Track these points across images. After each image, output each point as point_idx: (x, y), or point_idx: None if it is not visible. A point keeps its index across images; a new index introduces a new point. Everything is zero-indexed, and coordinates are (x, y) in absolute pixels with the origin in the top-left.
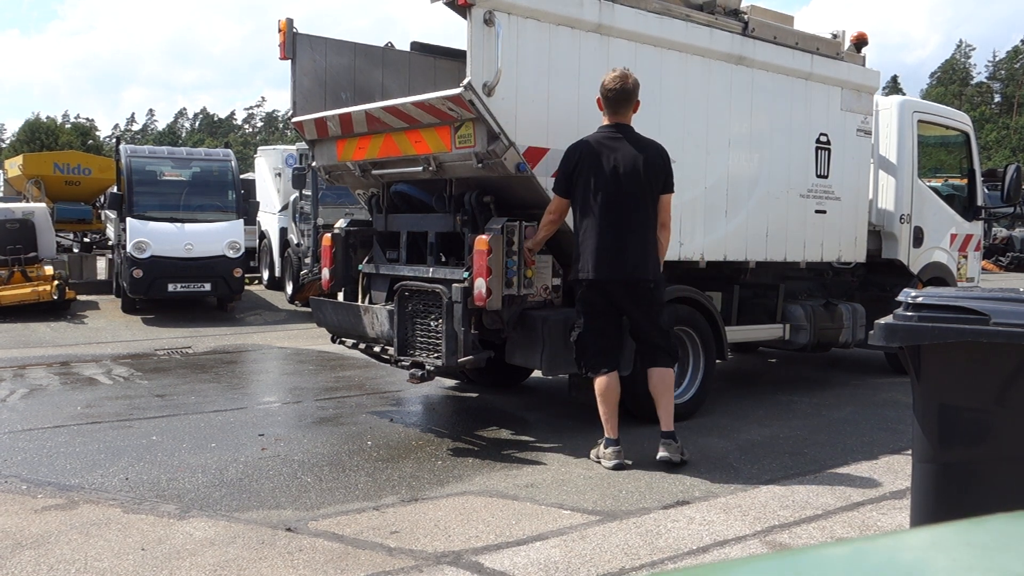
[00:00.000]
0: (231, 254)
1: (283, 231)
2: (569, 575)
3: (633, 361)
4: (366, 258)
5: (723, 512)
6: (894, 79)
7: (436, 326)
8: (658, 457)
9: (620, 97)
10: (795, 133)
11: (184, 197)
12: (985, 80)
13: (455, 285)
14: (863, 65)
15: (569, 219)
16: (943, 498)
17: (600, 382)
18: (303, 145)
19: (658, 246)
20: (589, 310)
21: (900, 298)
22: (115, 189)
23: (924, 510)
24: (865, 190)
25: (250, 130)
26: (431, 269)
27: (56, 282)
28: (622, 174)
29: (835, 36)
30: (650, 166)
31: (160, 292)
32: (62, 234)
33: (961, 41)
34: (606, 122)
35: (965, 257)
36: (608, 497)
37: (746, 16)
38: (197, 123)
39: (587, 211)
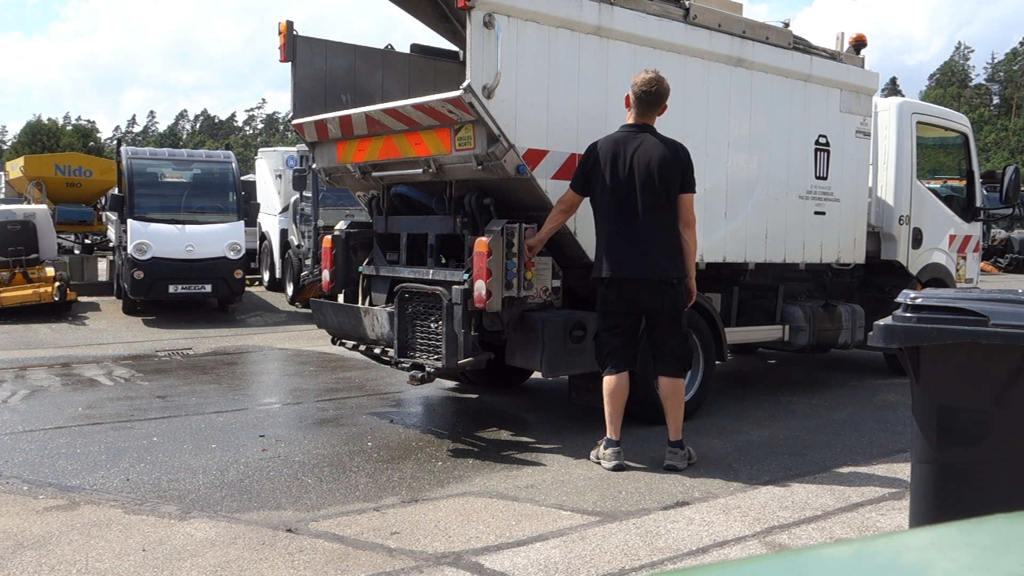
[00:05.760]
0: (232, 255)
1: (284, 233)
2: (569, 575)
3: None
4: (366, 260)
5: (723, 513)
6: (893, 80)
7: (436, 328)
8: (664, 465)
9: (651, 99)
10: (794, 135)
11: (185, 199)
12: (984, 82)
13: (455, 287)
14: (862, 67)
15: (571, 222)
16: (942, 499)
17: (609, 381)
18: (303, 147)
19: (682, 245)
20: (605, 309)
21: (899, 299)
22: (116, 191)
23: (923, 511)
24: (864, 191)
25: (251, 132)
26: (431, 271)
27: (57, 283)
28: (638, 173)
29: (786, 24)
30: (667, 165)
31: (161, 293)
32: (63, 235)
33: (960, 43)
34: (630, 121)
35: (964, 258)
36: (608, 498)
37: (688, 2)
38: (198, 125)
39: (603, 210)
